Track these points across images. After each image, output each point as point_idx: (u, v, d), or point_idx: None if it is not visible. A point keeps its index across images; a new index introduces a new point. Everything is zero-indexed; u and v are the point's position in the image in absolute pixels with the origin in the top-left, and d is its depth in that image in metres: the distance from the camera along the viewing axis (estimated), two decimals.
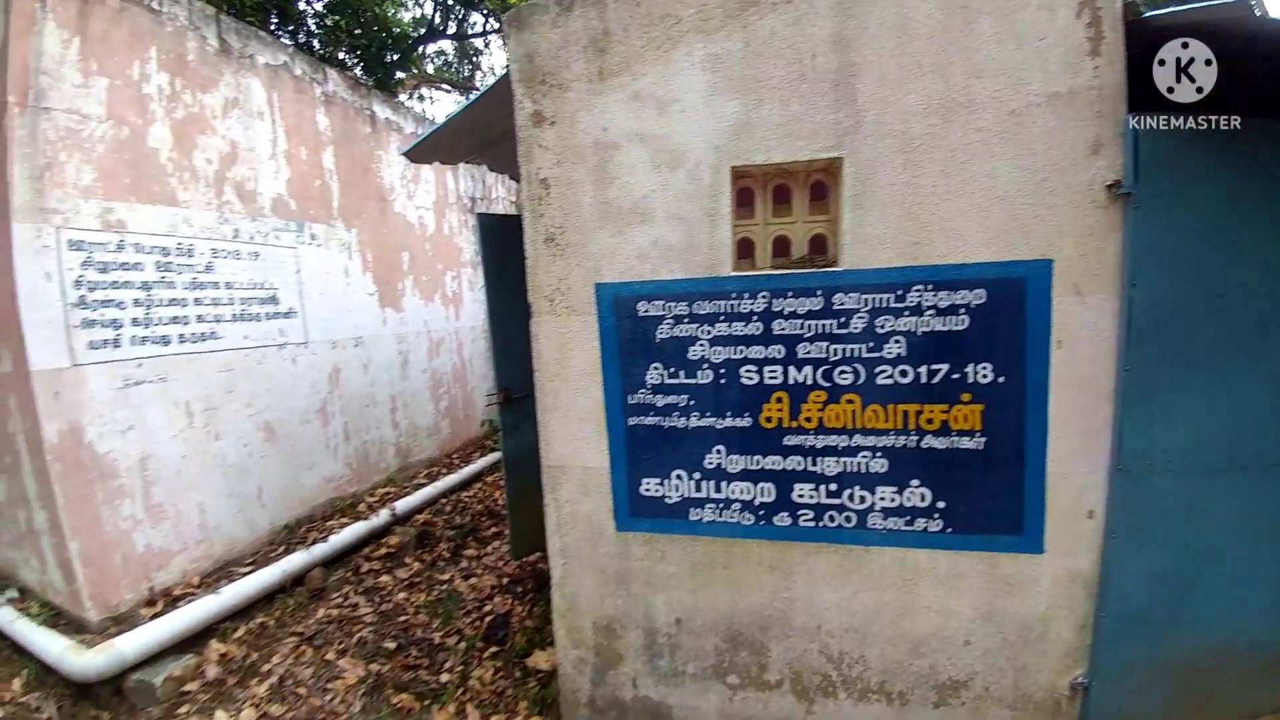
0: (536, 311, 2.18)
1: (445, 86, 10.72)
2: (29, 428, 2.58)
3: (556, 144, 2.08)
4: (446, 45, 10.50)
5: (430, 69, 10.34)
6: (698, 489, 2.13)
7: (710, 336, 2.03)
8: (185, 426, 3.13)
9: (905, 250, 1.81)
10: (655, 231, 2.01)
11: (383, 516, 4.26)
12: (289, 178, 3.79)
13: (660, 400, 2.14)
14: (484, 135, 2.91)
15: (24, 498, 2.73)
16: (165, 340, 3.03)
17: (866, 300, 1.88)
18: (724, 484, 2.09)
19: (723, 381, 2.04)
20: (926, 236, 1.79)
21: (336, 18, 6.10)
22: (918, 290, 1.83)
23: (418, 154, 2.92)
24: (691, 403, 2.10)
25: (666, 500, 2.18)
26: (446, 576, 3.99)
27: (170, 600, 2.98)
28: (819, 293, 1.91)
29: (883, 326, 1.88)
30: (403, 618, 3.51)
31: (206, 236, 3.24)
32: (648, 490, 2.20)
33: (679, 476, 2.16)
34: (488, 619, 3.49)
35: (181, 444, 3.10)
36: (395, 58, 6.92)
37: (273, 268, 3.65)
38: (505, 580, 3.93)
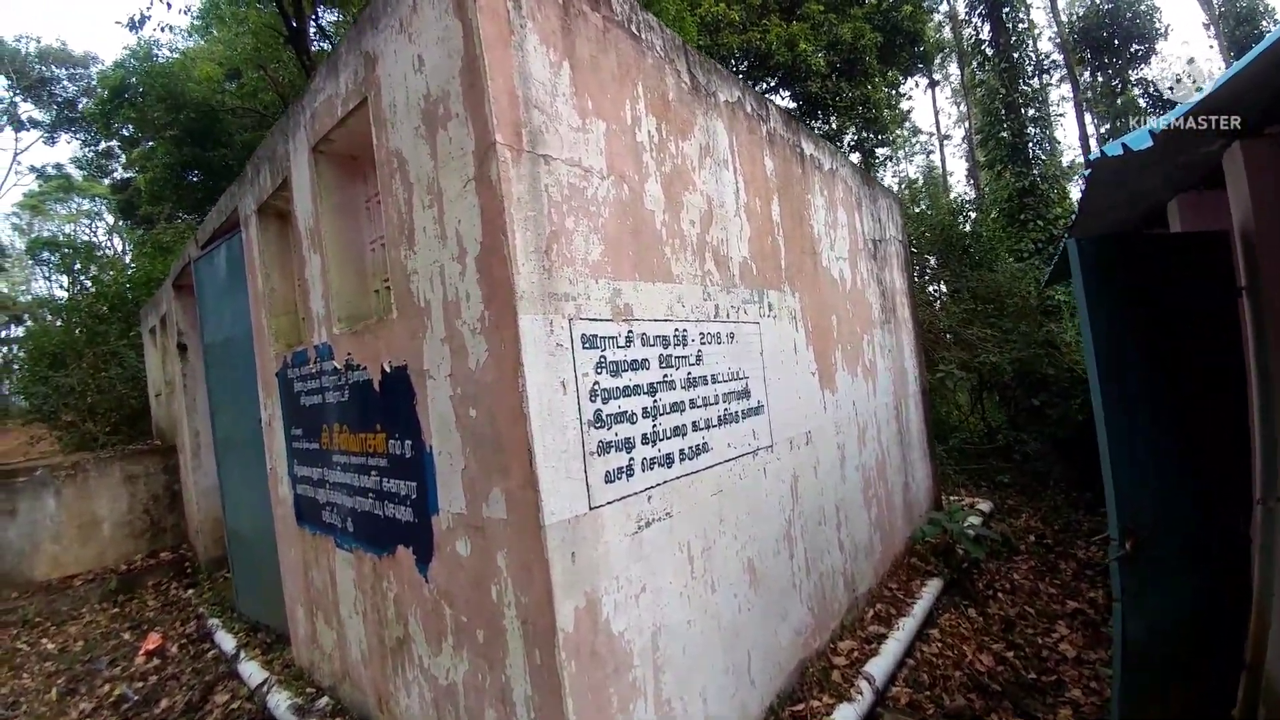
0: None
1: None
2: (531, 603, 1.83)
3: None
4: None
5: None
6: None
7: None
8: (688, 578, 2.28)
9: None
10: None
11: (866, 695, 2.96)
12: (749, 236, 2.99)
13: None
14: None
15: (502, 694, 1.98)
16: (669, 461, 2.26)
17: None
18: None
19: None
20: None
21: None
22: None
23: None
24: None
25: None
26: None
27: None
28: None
29: None
30: None
31: (696, 318, 2.49)
32: None
33: None
34: None
35: (685, 604, 2.25)
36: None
37: (743, 350, 2.80)
38: None
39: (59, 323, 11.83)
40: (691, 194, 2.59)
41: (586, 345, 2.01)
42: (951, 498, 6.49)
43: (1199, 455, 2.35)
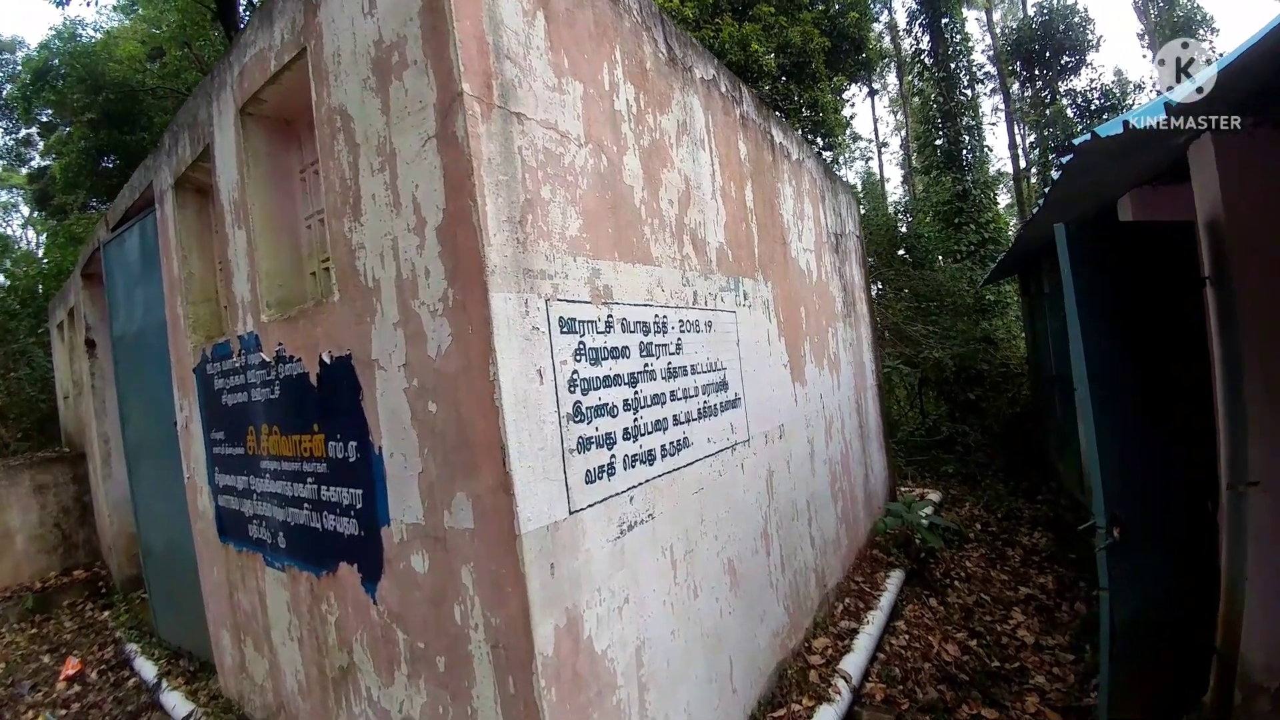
0: None
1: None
2: (502, 623, 1.60)
3: None
4: None
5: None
6: None
7: None
8: (670, 584, 2.11)
9: None
10: None
11: (844, 694, 2.89)
12: (725, 221, 2.85)
13: None
14: None
15: None
16: (650, 458, 2.08)
17: None
18: None
19: None
20: None
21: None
22: None
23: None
24: None
25: None
26: None
27: None
28: None
29: None
30: None
31: (675, 304, 2.32)
32: None
33: None
34: None
35: (669, 613, 2.08)
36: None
37: (720, 340, 2.65)
38: None
39: None
40: (670, 172, 2.42)
41: (565, 329, 1.81)
42: (902, 488, 6.62)
43: (1176, 441, 2.38)
